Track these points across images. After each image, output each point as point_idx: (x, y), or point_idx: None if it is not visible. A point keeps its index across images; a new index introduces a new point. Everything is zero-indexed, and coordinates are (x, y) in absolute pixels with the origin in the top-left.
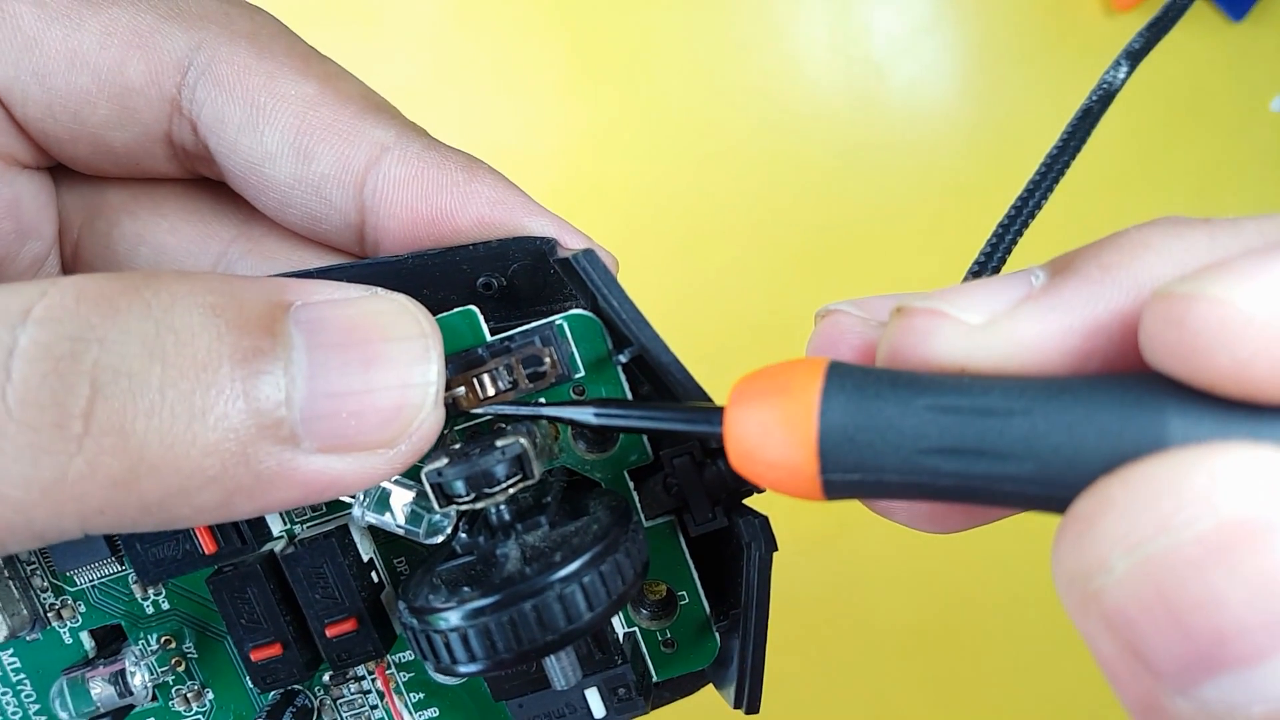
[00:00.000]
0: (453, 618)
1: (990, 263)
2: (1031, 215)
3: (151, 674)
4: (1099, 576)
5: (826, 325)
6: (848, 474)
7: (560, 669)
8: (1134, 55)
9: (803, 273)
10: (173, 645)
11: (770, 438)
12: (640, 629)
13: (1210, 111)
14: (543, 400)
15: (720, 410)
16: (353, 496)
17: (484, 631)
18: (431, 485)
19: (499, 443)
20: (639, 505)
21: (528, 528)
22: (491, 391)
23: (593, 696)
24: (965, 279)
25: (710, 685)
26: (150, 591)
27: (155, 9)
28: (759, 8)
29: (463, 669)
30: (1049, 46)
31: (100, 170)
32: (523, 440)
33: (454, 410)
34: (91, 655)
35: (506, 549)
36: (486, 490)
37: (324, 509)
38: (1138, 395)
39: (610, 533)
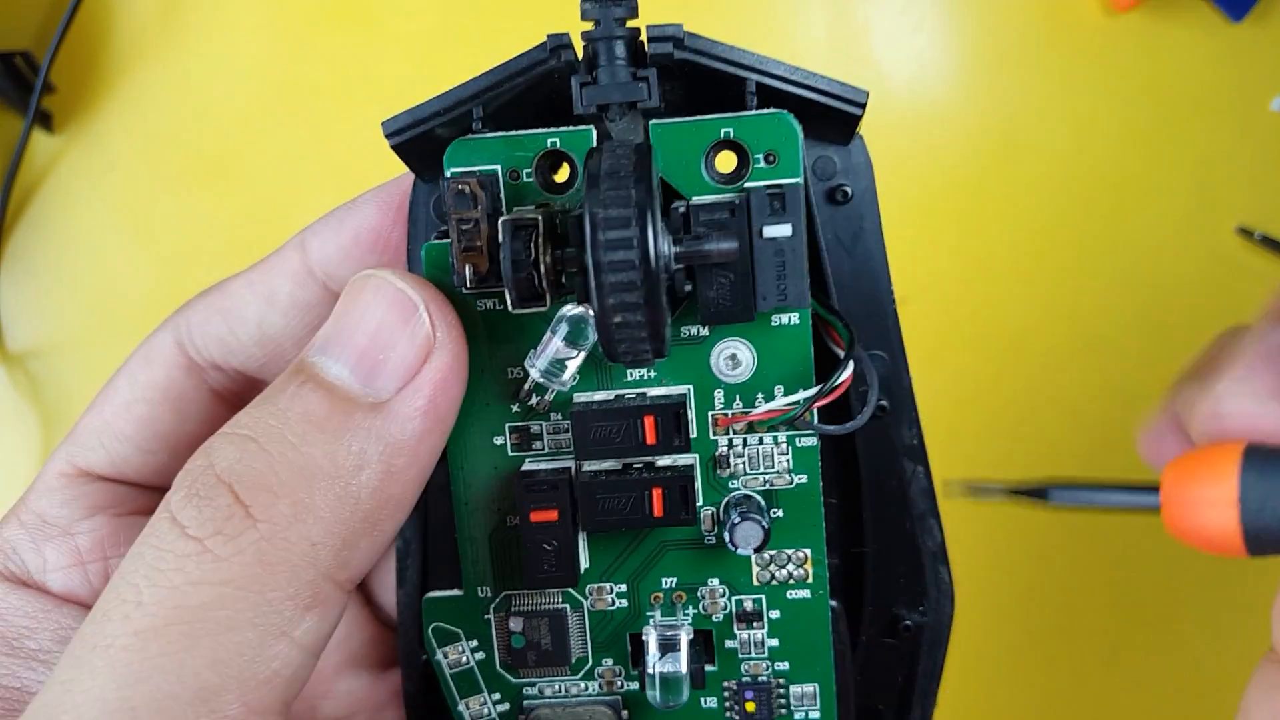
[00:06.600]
0: None
1: None
2: None
3: None
4: None
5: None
6: (1267, 534)
7: None
8: None
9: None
10: None
11: (1199, 513)
12: None
13: (1210, 111)
14: None
15: (1156, 491)
16: (531, 365)
17: None
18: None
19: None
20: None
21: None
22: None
23: None
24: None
25: None
26: None
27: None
28: (758, 8)
29: None
30: (1048, 46)
31: None
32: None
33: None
34: None
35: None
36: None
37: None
38: None
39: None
